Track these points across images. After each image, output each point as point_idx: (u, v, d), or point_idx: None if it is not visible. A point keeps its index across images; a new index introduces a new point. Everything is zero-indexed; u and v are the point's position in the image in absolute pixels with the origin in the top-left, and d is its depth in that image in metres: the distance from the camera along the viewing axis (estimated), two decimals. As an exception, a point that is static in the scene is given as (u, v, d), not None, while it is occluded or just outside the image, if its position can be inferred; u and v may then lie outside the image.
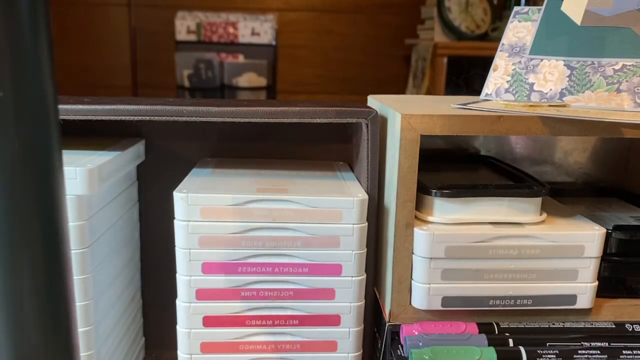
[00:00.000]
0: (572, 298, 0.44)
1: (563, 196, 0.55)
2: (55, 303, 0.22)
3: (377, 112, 0.46)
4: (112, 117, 0.45)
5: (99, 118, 0.45)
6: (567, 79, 0.47)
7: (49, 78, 0.21)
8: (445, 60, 1.83)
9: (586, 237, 0.44)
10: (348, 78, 2.28)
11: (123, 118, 0.45)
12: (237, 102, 0.48)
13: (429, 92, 1.86)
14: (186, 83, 2.10)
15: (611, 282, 0.46)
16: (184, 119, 0.45)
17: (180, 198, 0.42)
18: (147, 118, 0.45)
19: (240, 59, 2.12)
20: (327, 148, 0.58)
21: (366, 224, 0.44)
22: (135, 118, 0.45)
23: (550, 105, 0.45)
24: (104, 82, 2.24)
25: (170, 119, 0.45)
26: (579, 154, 0.64)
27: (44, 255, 0.21)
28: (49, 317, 0.22)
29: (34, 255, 0.21)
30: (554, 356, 0.42)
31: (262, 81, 2.14)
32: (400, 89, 2.18)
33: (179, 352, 0.45)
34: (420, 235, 0.43)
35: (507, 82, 0.49)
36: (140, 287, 0.58)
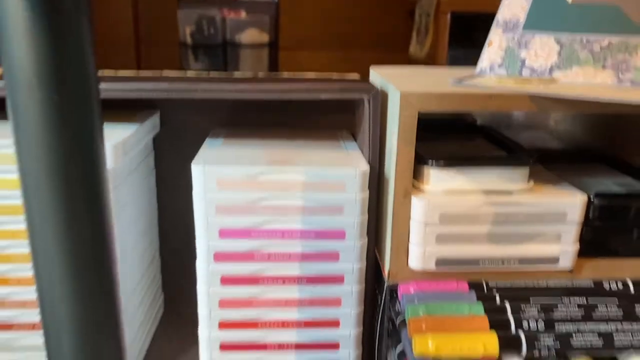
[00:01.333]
0: (555, 259, 0.49)
1: (555, 162, 0.58)
2: (102, 255, 0.26)
3: (378, 89, 0.49)
4: (132, 96, 0.48)
5: (119, 97, 0.49)
6: (557, 54, 0.50)
7: (91, 61, 0.24)
8: (448, 16, 1.83)
9: (569, 204, 0.48)
10: (351, 33, 2.28)
11: (142, 96, 0.49)
12: (248, 79, 0.51)
13: (432, 48, 1.87)
14: (188, 40, 2.10)
15: (592, 245, 0.51)
16: (198, 96, 0.49)
17: (198, 170, 0.46)
18: (165, 95, 0.49)
19: (242, 15, 2.11)
20: (332, 117, 0.62)
21: (368, 192, 0.48)
22: (154, 96, 0.49)
23: (539, 81, 0.49)
24: (105, 38, 2.24)
25: (185, 96, 0.49)
26: (571, 121, 0.67)
27: (91, 223, 0.25)
28: (98, 267, 0.26)
29: (83, 220, 0.25)
30: (536, 310, 0.47)
31: (264, 37, 2.14)
32: (404, 44, 2.18)
33: (199, 309, 0.50)
34: (417, 203, 0.47)
35: (501, 57, 0.52)
36: (159, 250, 0.63)
